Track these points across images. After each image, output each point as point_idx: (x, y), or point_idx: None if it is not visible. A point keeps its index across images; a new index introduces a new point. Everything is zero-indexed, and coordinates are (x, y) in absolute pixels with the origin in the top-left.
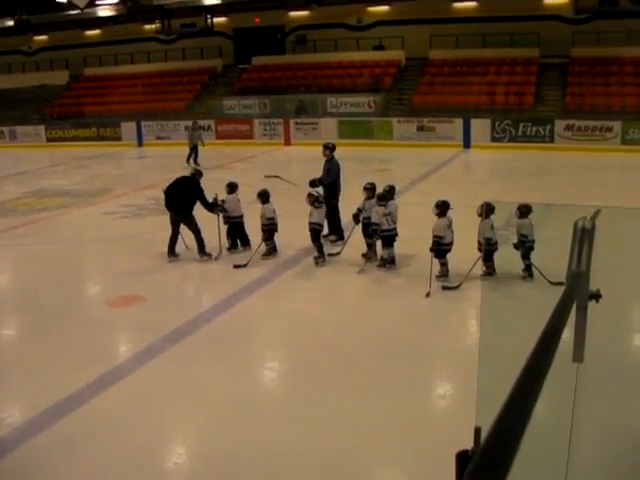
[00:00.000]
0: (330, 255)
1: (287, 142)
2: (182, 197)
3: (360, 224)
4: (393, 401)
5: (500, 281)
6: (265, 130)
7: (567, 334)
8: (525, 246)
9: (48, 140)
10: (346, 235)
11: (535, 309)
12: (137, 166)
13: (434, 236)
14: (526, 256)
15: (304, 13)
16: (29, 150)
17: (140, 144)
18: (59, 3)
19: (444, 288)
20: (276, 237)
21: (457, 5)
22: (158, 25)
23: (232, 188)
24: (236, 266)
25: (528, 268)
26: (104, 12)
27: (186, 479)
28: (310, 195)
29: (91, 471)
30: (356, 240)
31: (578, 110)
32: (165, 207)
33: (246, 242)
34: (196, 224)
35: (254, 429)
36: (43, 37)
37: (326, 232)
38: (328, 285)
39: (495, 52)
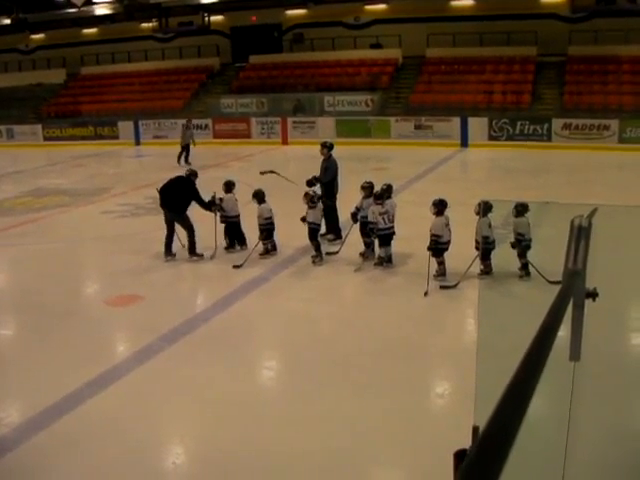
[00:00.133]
0: (328, 254)
1: (284, 141)
2: (176, 197)
3: (358, 223)
4: (391, 400)
5: (497, 280)
6: (262, 129)
7: (564, 333)
8: (522, 245)
9: (45, 139)
10: (344, 234)
11: (533, 308)
12: (135, 165)
13: (432, 235)
14: (523, 255)
15: (301, 11)
16: (26, 149)
17: (138, 143)
18: (56, 1)
19: (442, 287)
20: (275, 236)
21: (454, 3)
22: (155, 23)
23: (229, 187)
24: (235, 266)
25: (525, 266)
26: (101, 10)
27: (185, 479)
28: (306, 194)
29: (90, 470)
30: (354, 239)
31: (575, 109)
32: (160, 206)
33: (243, 242)
34: (190, 223)
35: (253, 429)
36: (40, 35)
37: (324, 231)
38: (326, 284)
39: (492, 51)
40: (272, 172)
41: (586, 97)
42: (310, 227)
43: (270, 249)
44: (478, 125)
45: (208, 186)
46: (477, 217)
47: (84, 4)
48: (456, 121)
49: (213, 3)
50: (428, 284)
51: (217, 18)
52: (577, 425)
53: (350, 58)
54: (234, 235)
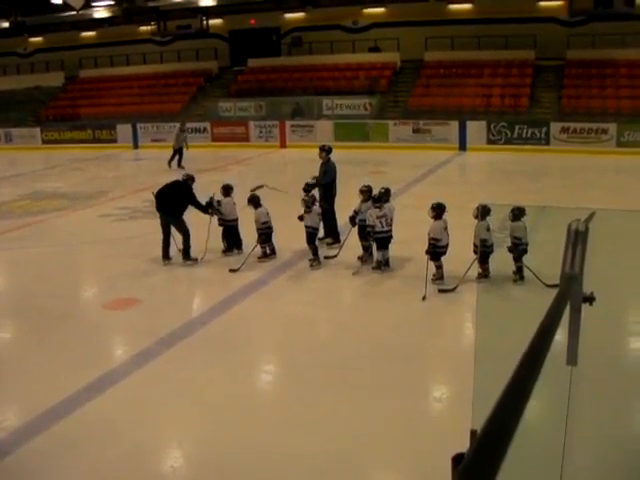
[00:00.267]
0: (327, 258)
1: (283, 144)
2: (173, 201)
3: (356, 227)
4: (390, 404)
5: (496, 283)
6: (261, 132)
7: (561, 337)
8: (519, 249)
9: (44, 142)
10: (342, 238)
11: (531, 311)
12: (133, 168)
13: (430, 238)
14: (518, 259)
15: (299, 15)
16: (25, 152)
17: (136, 146)
18: (54, 5)
19: (440, 291)
20: (273, 239)
21: (452, 7)
22: (154, 27)
23: (227, 191)
24: (232, 270)
25: (519, 270)
26: (99, 14)
27: None
28: (303, 200)
29: (88, 474)
30: (352, 243)
31: (573, 112)
32: (156, 210)
33: (239, 245)
34: (186, 228)
35: (251, 432)
36: (38, 39)
37: (322, 235)
38: (324, 288)
39: (491, 54)
40: (261, 187)
41: (584, 101)
42: (308, 231)
43: (269, 253)
44: (476, 129)
45: (206, 190)
46: (475, 221)
47: (82, 7)
48: (454, 125)
49: (212, 6)
50: (426, 288)
51: (216, 21)
52: (574, 428)
53: (348, 62)
54: (232, 239)
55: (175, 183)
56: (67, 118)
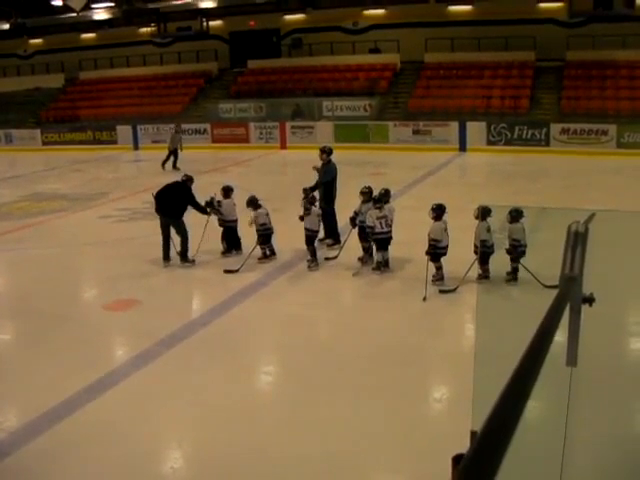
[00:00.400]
0: (327, 259)
1: (283, 146)
2: (173, 202)
3: (357, 228)
4: (390, 404)
5: (496, 284)
6: (261, 134)
7: (561, 338)
8: (517, 251)
9: (44, 143)
10: (343, 239)
11: (531, 312)
12: (133, 170)
13: (431, 239)
14: (516, 260)
15: (300, 16)
16: (25, 153)
17: (136, 147)
18: (55, 6)
19: (441, 291)
20: (273, 240)
21: (453, 9)
22: (154, 28)
23: (227, 192)
24: (227, 271)
25: (514, 271)
26: (100, 15)
27: None
28: (303, 201)
29: (88, 475)
30: (352, 244)
31: (573, 113)
32: (155, 212)
33: (238, 246)
34: (185, 229)
35: (251, 433)
36: (38, 40)
37: (322, 236)
38: (324, 289)
39: (491, 55)
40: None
41: (584, 102)
42: (306, 233)
43: (269, 254)
44: (476, 130)
45: (206, 192)
46: (476, 221)
47: (83, 9)
48: (454, 126)
49: (212, 8)
50: (426, 289)
51: (216, 23)
52: (574, 429)
53: (348, 63)
54: (231, 240)
55: (175, 184)
56: (67, 119)
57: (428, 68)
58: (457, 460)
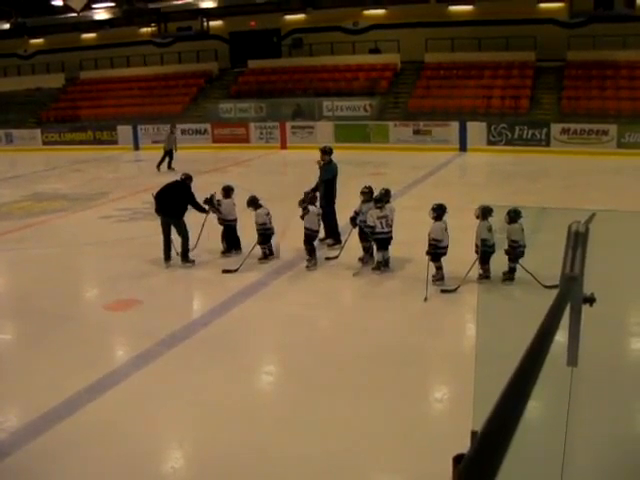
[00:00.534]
0: (328, 259)
1: (283, 146)
2: (173, 202)
3: (357, 228)
4: (390, 404)
5: (496, 284)
6: (261, 134)
7: (562, 338)
8: (516, 252)
9: (44, 143)
10: (343, 239)
11: (532, 312)
12: (133, 170)
13: (431, 239)
14: (514, 260)
15: (300, 16)
16: (25, 153)
17: (136, 148)
18: (55, 6)
19: (443, 291)
20: (273, 240)
21: (453, 8)
22: (154, 28)
23: (228, 192)
24: (225, 271)
25: (511, 271)
26: (100, 15)
27: None
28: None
29: (89, 475)
30: (353, 244)
31: (574, 113)
32: (155, 212)
33: (238, 246)
34: (186, 229)
35: (251, 433)
36: (39, 40)
37: (323, 236)
38: (324, 289)
39: (491, 55)
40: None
41: (584, 102)
42: (306, 232)
43: (268, 254)
44: (477, 130)
45: (207, 191)
46: (477, 221)
47: (83, 9)
48: (455, 126)
49: (212, 8)
50: (427, 289)
51: (216, 23)
52: (575, 429)
53: (349, 63)
54: (230, 240)
55: (174, 183)
56: (67, 119)
57: (428, 68)
58: (458, 460)
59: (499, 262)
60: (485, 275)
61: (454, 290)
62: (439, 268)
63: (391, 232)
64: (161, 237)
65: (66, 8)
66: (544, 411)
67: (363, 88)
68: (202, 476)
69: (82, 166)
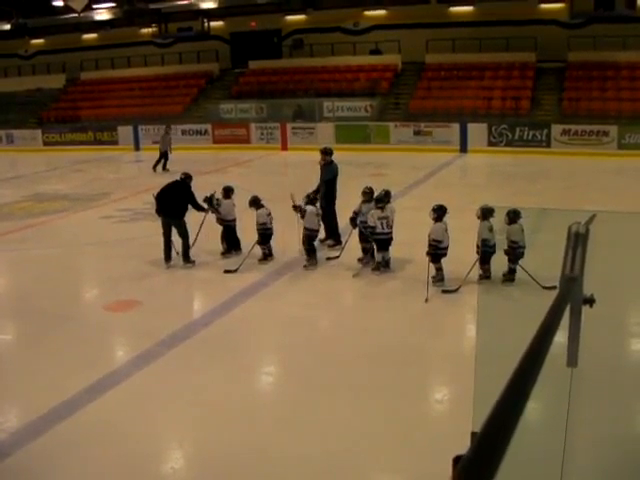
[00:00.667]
0: (328, 259)
1: (284, 147)
2: (174, 202)
3: (357, 228)
4: (390, 405)
5: (497, 285)
6: (262, 134)
7: (562, 338)
8: (515, 252)
9: (45, 144)
10: (343, 239)
11: (532, 313)
12: (134, 170)
13: (432, 240)
14: (514, 261)
15: (300, 17)
16: (26, 154)
17: (137, 148)
18: (56, 7)
19: (444, 291)
20: (273, 241)
21: (454, 9)
22: (155, 29)
23: (227, 193)
24: (227, 271)
25: (510, 272)
26: (101, 16)
27: None
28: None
29: (89, 475)
30: (354, 244)
31: (574, 114)
32: (156, 213)
33: (237, 247)
34: (186, 230)
35: (252, 433)
36: (40, 41)
37: (323, 236)
38: (324, 289)
39: (492, 56)
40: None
41: (585, 103)
42: (305, 232)
43: (267, 254)
44: (477, 131)
45: (207, 192)
46: (477, 222)
47: (84, 9)
48: (455, 127)
49: (213, 9)
50: (428, 290)
51: (217, 24)
52: (575, 429)
53: (349, 64)
54: (230, 240)
55: (174, 183)
56: (68, 120)
57: (429, 69)
58: (458, 461)
59: (499, 263)
60: (485, 275)
61: (455, 290)
62: (439, 269)
63: (391, 233)
64: (161, 238)
65: (67, 8)
66: (544, 411)
67: (364, 89)
68: (202, 476)
69: (83, 166)
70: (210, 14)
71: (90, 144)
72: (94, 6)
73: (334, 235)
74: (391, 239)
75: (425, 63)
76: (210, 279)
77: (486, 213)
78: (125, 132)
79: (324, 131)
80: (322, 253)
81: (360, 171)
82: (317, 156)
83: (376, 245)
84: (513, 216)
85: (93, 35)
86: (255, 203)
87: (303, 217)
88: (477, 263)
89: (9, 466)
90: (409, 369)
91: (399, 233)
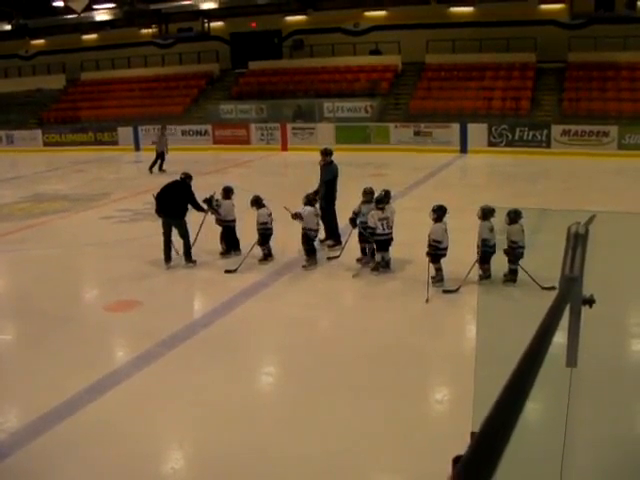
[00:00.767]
0: (329, 259)
1: (284, 147)
2: (174, 202)
3: (357, 229)
4: (390, 405)
5: (497, 285)
6: (262, 135)
7: (561, 339)
8: (515, 252)
9: (45, 144)
10: (343, 240)
11: (532, 313)
12: (134, 170)
13: (432, 240)
14: (514, 261)
15: (301, 18)
16: (26, 154)
17: (137, 148)
18: (56, 7)
19: (445, 291)
20: (272, 242)
21: (454, 10)
22: (155, 30)
23: (227, 193)
24: (227, 271)
25: (512, 272)
26: (101, 16)
27: None
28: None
29: (89, 475)
30: (353, 244)
31: (575, 115)
32: (156, 213)
33: (237, 247)
34: (186, 230)
35: (252, 433)
36: (40, 41)
37: (323, 237)
38: (325, 289)
39: (492, 57)
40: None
41: (585, 103)
42: (304, 232)
43: (267, 254)
44: (477, 131)
45: (206, 192)
46: (477, 223)
47: (84, 10)
48: (455, 127)
49: (213, 9)
50: (428, 291)
51: (217, 24)
52: (574, 429)
53: (349, 64)
54: (229, 240)
55: (174, 183)
56: (68, 120)
57: (429, 69)
58: (457, 461)
59: (499, 263)
60: (485, 275)
61: (455, 290)
62: (438, 269)
63: (391, 233)
64: (161, 238)
65: (67, 9)
66: (544, 411)
67: (364, 89)
68: (202, 476)
69: (83, 167)
70: (210, 15)
71: (90, 144)
72: (94, 7)
73: (334, 235)
74: (391, 240)
75: (425, 63)
76: (210, 279)
77: (487, 213)
78: (125, 133)
79: (324, 131)
80: (322, 253)
81: (360, 171)
82: (317, 157)
83: (376, 246)
84: (514, 216)
85: (93, 36)
86: (257, 203)
87: (302, 217)
88: (477, 263)
89: (9, 466)
90: (409, 369)
91: (399, 233)
